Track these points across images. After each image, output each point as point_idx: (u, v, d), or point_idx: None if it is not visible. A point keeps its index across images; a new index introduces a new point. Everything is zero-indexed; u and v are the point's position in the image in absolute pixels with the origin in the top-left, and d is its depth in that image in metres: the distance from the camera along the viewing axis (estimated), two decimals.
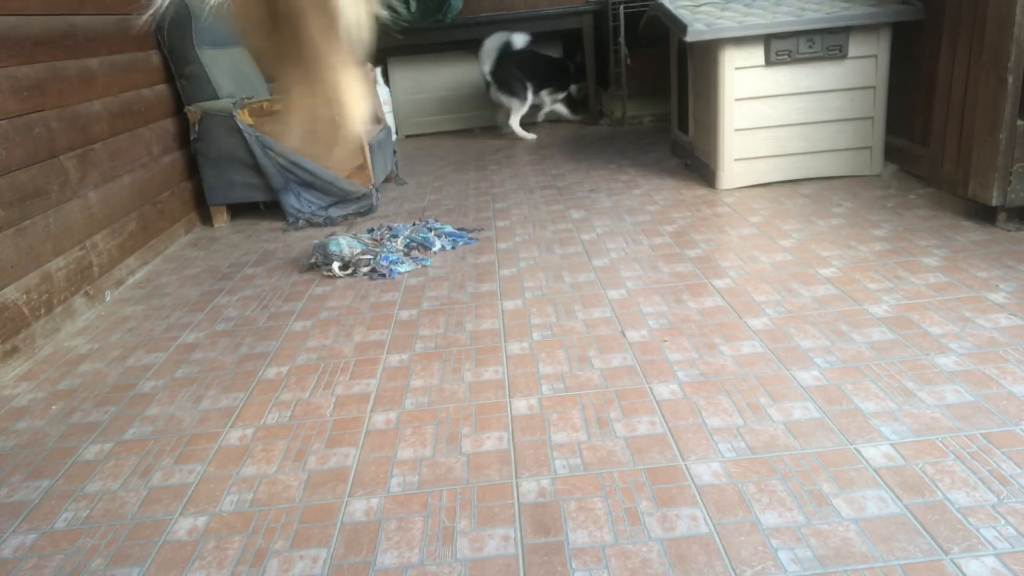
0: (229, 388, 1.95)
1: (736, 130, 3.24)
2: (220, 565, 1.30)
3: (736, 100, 3.19)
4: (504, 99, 5.11)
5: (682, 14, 3.23)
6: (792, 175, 3.33)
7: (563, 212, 3.27)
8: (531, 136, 5.15)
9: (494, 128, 5.63)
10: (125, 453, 1.69)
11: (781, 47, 3.11)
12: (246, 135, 3.33)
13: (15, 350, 2.19)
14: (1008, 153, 2.43)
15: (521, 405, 1.72)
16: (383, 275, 2.64)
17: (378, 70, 5.14)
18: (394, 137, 4.62)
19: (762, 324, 2.00)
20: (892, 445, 1.43)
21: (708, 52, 3.23)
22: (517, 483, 1.44)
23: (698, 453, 1.47)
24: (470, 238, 2.99)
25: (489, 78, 5.05)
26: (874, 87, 3.18)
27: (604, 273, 2.48)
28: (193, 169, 3.55)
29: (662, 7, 3.41)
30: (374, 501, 1.43)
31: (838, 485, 1.33)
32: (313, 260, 2.79)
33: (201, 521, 1.42)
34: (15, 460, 1.70)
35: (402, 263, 2.72)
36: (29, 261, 2.31)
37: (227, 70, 3.64)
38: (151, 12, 2.75)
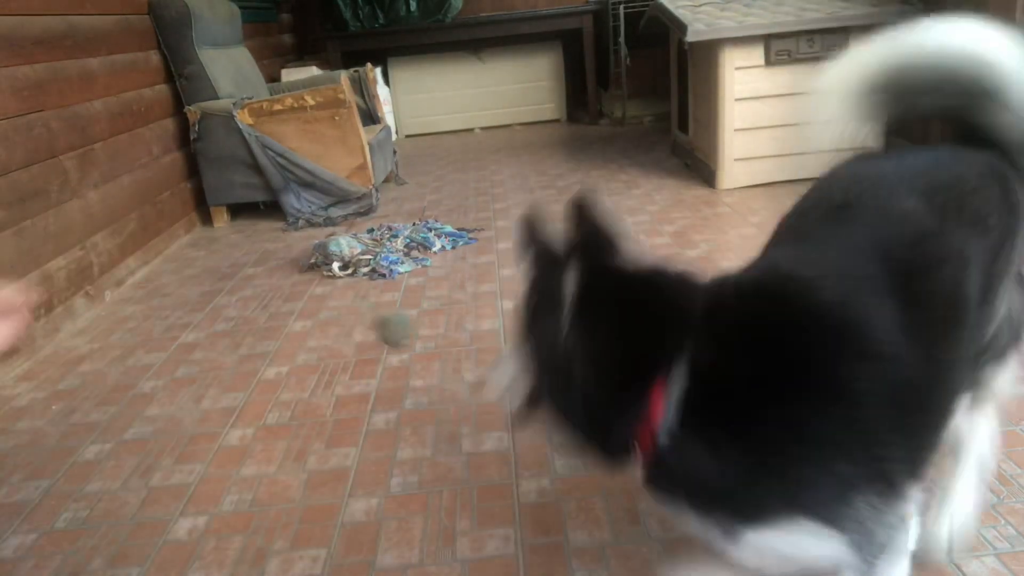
0: (229, 388, 1.95)
1: (736, 130, 3.24)
2: (220, 565, 1.30)
3: (736, 100, 3.19)
4: None
5: (682, 14, 3.23)
6: (792, 175, 3.32)
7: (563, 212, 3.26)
8: None
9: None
10: (125, 453, 1.69)
11: (781, 47, 3.10)
12: (246, 135, 3.33)
13: (15, 350, 2.18)
14: None
15: None
16: (383, 275, 2.64)
17: (378, 70, 5.15)
18: (394, 137, 4.62)
19: None
20: None
21: (708, 52, 3.23)
22: (517, 483, 1.44)
23: None
24: (470, 238, 2.99)
25: None
26: None
27: None
28: (193, 169, 3.55)
29: (662, 7, 3.41)
30: (374, 501, 1.43)
31: None
32: (313, 260, 2.79)
33: (201, 521, 1.42)
34: (15, 460, 1.70)
35: (402, 263, 2.72)
36: (29, 261, 2.31)
37: (227, 70, 3.64)
38: None
